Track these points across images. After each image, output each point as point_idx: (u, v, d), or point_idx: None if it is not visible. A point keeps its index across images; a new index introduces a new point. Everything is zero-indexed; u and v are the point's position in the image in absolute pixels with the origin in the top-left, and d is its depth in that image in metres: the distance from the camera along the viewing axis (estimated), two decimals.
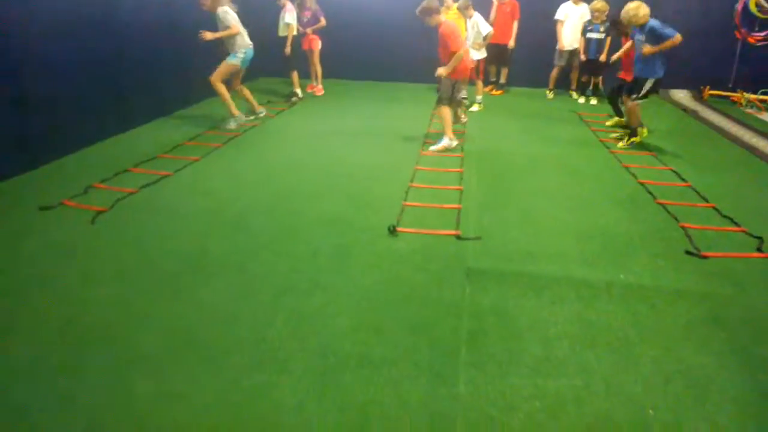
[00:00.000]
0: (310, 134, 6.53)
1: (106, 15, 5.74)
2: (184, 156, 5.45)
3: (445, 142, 5.74)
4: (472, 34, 7.32)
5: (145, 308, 2.98)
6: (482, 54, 7.65)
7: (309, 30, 8.10)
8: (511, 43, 8.44)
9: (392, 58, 9.46)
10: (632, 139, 6.07)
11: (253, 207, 4.36)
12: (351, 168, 5.27)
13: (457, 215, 4.17)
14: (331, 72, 8.90)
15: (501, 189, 4.80)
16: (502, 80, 9.00)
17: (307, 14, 8.07)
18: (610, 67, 7.73)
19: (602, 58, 7.88)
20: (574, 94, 8.77)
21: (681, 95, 8.88)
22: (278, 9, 7.77)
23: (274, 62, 8.26)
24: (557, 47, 8.47)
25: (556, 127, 7.05)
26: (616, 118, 6.87)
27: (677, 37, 5.41)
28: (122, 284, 3.21)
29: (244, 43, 6.23)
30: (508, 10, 8.33)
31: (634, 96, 5.87)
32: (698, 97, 8.77)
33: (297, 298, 3.09)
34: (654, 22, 5.52)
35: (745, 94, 8.26)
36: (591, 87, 8.45)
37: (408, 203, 4.37)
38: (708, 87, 8.70)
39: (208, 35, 5.95)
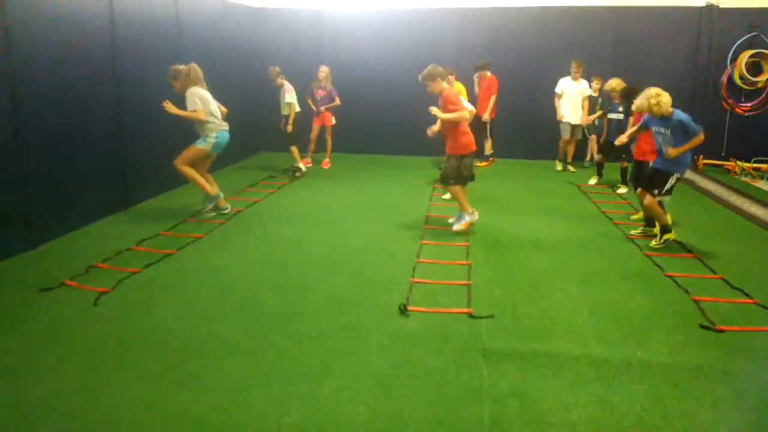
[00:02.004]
0: (314, 208, 6.57)
1: (107, 91, 5.87)
2: (187, 233, 5.42)
3: (467, 218, 5.49)
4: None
5: (150, 397, 2.85)
6: None
7: (323, 108, 8.49)
8: (486, 116, 8.73)
9: (395, 132, 9.70)
10: (665, 237, 5.16)
11: (260, 285, 4.30)
12: (356, 243, 5.26)
13: (468, 292, 4.13)
14: (334, 146, 9.07)
15: (508, 263, 4.78)
16: (486, 152, 9.14)
17: (322, 93, 8.48)
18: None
19: (620, 139, 6.39)
20: (569, 167, 8.85)
21: (703, 182, 9.05)
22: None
23: (274, 137, 8.49)
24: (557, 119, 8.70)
25: (555, 199, 7.15)
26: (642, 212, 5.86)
27: (701, 136, 4.89)
28: (126, 371, 3.09)
29: (215, 127, 5.76)
30: (486, 86, 8.69)
31: (656, 191, 5.11)
32: (693, 167, 8.98)
33: (310, 384, 2.98)
34: (683, 116, 4.89)
35: (738, 162, 8.46)
36: (620, 175, 7.58)
37: (416, 279, 4.33)
38: (702, 156, 8.91)
39: (171, 108, 5.52)
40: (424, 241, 5.27)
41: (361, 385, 2.97)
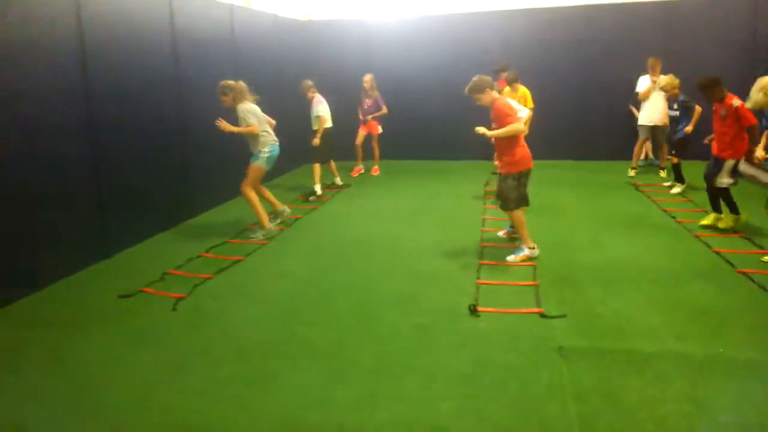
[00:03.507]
0: (369, 214, 6.68)
1: (172, 104, 6.13)
2: (252, 240, 5.59)
3: (526, 251, 4.79)
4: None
5: (240, 397, 2.97)
6: None
7: (369, 117, 8.58)
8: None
9: (442, 136, 9.75)
10: None
11: (328, 288, 4.41)
12: (415, 246, 5.31)
13: (536, 292, 4.12)
14: (384, 153, 9.16)
15: (574, 262, 4.75)
16: None
17: (369, 102, 8.56)
18: (685, 148, 6.88)
19: (687, 129, 6.72)
20: (662, 173, 8.24)
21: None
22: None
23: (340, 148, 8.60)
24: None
25: (612, 197, 7.06)
26: (714, 215, 5.58)
27: None
28: (212, 372, 3.21)
29: (267, 141, 5.69)
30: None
31: None
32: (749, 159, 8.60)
33: (392, 383, 3.04)
34: None
35: None
36: (674, 171, 7.20)
37: (482, 281, 4.35)
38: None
39: (226, 126, 5.49)
40: (485, 243, 5.28)
41: (442, 383, 3.02)
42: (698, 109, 6.62)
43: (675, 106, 6.90)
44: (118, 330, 3.77)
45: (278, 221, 6.07)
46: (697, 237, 5.28)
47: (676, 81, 6.77)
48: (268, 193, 6.06)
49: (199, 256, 5.17)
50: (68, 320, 3.93)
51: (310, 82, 7.65)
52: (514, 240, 5.24)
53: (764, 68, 8.29)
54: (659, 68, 7.74)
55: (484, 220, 6.09)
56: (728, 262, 4.60)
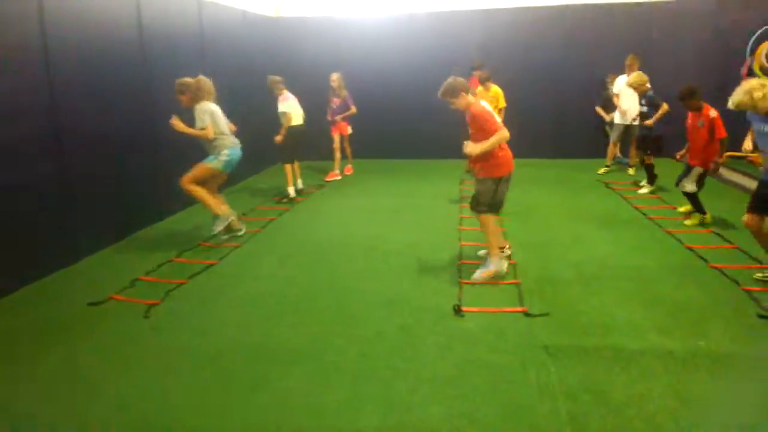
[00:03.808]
0: (345, 215, 6.59)
1: (140, 104, 5.92)
2: (225, 243, 5.44)
3: (493, 265, 4.37)
4: None
5: (222, 403, 2.85)
6: None
7: (338, 117, 8.31)
8: None
9: (415, 135, 9.72)
10: None
11: (308, 289, 4.32)
12: (394, 246, 5.26)
13: (518, 291, 4.12)
14: (356, 152, 9.04)
15: (553, 260, 4.76)
16: None
17: (337, 101, 8.30)
18: (660, 148, 6.95)
19: (648, 123, 6.88)
20: (630, 171, 8.39)
21: (734, 176, 8.94)
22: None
23: (312, 147, 8.47)
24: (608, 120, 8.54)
25: (586, 195, 7.15)
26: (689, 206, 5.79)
27: None
28: (191, 379, 3.09)
29: (226, 144, 5.29)
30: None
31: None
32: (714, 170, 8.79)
33: (379, 386, 2.97)
34: None
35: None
36: (646, 171, 7.24)
37: (465, 281, 4.32)
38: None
39: (179, 126, 5.15)
40: (464, 242, 5.26)
41: (429, 385, 2.96)
42: (665, 106, 6.72)
43: (643, 102, 7.00)
44: (89, 338, 3.60)
45: (228, 236, 5.58)
46: (669, 233, 5.38)
47: (645, 77, 6.84)
48: (224, 203, 5.58)
49: (170, 261, 4.99)
50: (35, 330, 3.73)
51: (277, 78, 7.25)
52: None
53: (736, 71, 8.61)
54: (637, 66, 7.84)
55: (461, 219, 6.07)
56: (701, 257, 4.69)
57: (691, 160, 5.52)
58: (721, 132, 5.15)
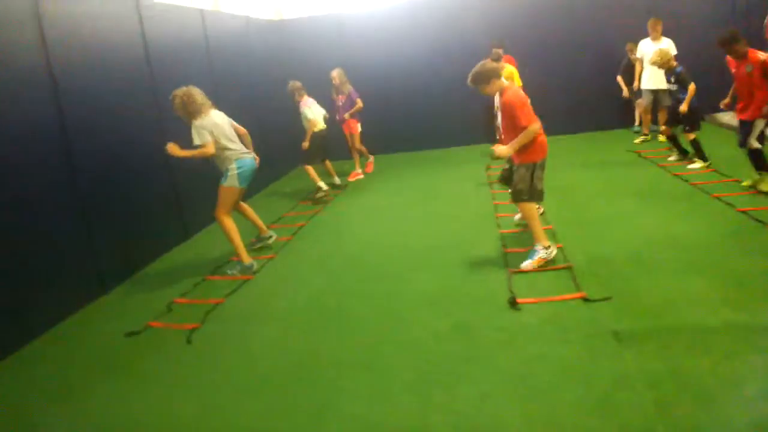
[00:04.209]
0: (375, 213, 6.39)
1: (150, 119, 5.77)
2: (257, 255, 5.27)
3: (540, 254, 4.13)
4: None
5: (289, 428, 2.69)
6: None
7: (346, 115, 8.00)
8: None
9: (430, 124, 9.52)
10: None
11: (349, 295, 4.15)
12: (429, 240, 5.07)
13: (572, 275, 3.90)
14: (372, 148, 8.80)
15: (599, 239, 4.54)
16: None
17: (342, 98, 7.97)
18: (697, 121, 6.34)
19: (682, 109, 6.21)
20: (661, 137, 7.89)
21: (727, 118, 8.69)
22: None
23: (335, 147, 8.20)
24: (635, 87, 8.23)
25: (618, 167, 6.88)
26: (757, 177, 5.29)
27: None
28: (247, 404, 2.94)
29: (234, 155, 4.85)
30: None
31: None
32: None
33: (444, 393, 2.79)
34: None
35: None
36: (693, 147, 6.47)
37: (514, 270, 4.12)
38: None
39: (175, 151, 4.64)
40: (503, 230, 5.05)
41: (499, 388, 2.77)
42: (692, 87, 6.11)
43: (672, 79, 6.34)
44: (132, 372, 3.45)
45: (259, 245, 5.46)
46: (717, 198, 5.11)
47: (669, 53, 6.27)
48: (253, 214, 5.39)
49: (204, 280, 4.85)
50: (76, 366, 3.60)
51: (298, 84, 7.22)
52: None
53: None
54: (660, 29, 7.54)
55: (495, 205, 5.85)
56: (758, 220, 4.42)
57: (743, 112, 5.13)
58: None
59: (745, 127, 5.13)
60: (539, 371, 2.86)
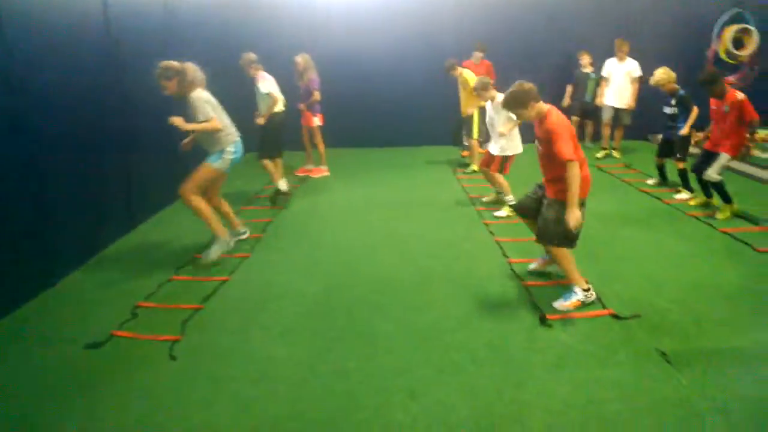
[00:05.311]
0: (351, 210, 5.89)
1: (113, 99, 4.98)
2: (230, 254, 4.63)
3: (579, 296, 3.56)
4: (497, 120, 5.51)
5: None
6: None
7: (302, 106, 7.18)
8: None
9: (398, 121, 9.19)
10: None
11: (348, 306, 3.69)
12: (427, 247, 4.70)
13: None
14: (335, 142, 8.27)
15: (599, 256, 4.43)
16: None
17: (302, 86, 7.19)
18: (687, 149, 6.02)
19: (683, 132, 5.91)
20: (615, 153, 8.28)
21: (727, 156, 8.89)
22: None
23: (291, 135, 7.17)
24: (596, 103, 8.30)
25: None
26: (703, 197, 5.62)
27: None
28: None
29: (229, 140, 4.47)
30: (483, 71, 7.94)
31: None
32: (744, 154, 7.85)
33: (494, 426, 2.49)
34: None
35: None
36: (680, 178, 6.12)
37: (528, 283, 3.92)
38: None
39: (181, 124, 4.21)
40: (498, 238, 4.85)
41: (560, 419, 2.53)
42: (695, 110, 5.85)
43: (673, 102, 5.99)
44: (101, 396, 2.79)
45: (234, 240, 4.87)
46: (695, 217, 5.29)
47: (672, 74, 5.89)
48: (227, 207, 4.87)
49: (170, 280, 4.19)
50: (27, 388, 2.88)
51: (252, 56, 6.21)
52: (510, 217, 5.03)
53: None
54: (627, 49, 7.76)
55: (478, 211, 5.66)
56: (743, 242, 4.58)
57: (715, 146, 5.30)
58: (752, 114, 5.01)
59: (711, 157, 5.25)
60: (597, 400, 2.66)
